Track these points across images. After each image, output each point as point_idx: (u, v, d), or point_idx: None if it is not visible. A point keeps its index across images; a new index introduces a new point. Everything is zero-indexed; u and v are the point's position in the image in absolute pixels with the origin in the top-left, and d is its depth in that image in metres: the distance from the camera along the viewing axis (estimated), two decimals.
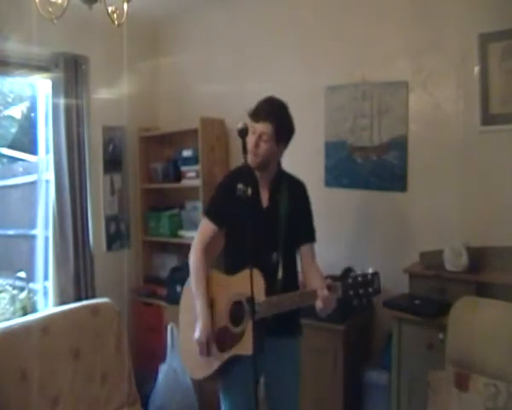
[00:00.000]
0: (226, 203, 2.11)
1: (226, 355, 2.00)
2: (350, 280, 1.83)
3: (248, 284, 1.83)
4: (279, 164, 2.19)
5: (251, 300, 1.74)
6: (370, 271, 1.84)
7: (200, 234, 2.21)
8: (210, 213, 2.21)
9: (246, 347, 1.88)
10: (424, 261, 2.72)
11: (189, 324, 2.12)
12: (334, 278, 2.90)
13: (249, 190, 1.99)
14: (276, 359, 2.05)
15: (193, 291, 2.10)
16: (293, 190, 2.17)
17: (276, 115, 2.04)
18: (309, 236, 2.19)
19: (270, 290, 1.90)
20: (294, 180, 2.23)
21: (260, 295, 1.85)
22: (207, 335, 2.01)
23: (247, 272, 1.89)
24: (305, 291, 2.00)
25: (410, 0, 2.92)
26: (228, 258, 2.22)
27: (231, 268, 2.10)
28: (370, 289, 1.82)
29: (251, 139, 2.00)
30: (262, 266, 1.89)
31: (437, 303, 2.44)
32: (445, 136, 2.82)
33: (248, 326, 1.90)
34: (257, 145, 2.01)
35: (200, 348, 2.03)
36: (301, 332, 2.21)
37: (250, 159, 1.99)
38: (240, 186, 1.99)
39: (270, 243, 2.04)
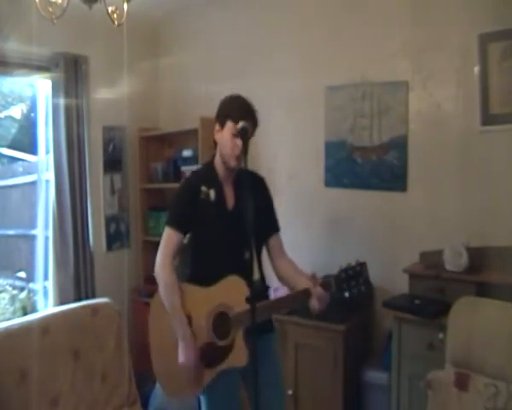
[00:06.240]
0: (190, 208, 2.02)
1: (217, 370, 1.92)
2: (343, 275, 1.85)
3: (230, 293, 1.84)
4: None
5: (251, 311, 1.68)
6: (356, 261, 1.88)
7: (165, 248, 2.02)
8: (175, 222, 2.04)
9: (238, 358, 1.84)
10: (424, 261, 2.72)
11: (167, 344, 2.00)
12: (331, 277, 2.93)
13: (212, 194, 1.99)
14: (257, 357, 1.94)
15: (170, 311, 1.97)
16: (256, 185, 2.10)
17: (255, 114, 2.00)
18: (275, 226, 2.16)
19: (251, 291, 1.79)
20: (254, 175, 2.16)
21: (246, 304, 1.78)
22: (196, 361, 1.92)
23: (227, 280, 1.90)
24: (297, 293, 1.95)
25: (410, 0, 2.92)
26: (196, 266, 2.10)
27: (202, 277, 2.00)
28: (361, 280, 1.86)
29: (233, 143, 1.93)
30: (235, 268, 1.86)
31: (437, 303, 2.44)
32: (445, 136, 2.82)
33: (238, 337, 1.86)
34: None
35: (187, 373, 1.93)
36: (274, 328, 2.14)
37: (234, 162, 1.96)
38: (203, 189, 2.01)
39: (240, 243, 1.92)
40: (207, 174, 2.08)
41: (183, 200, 2.09)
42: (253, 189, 2.02)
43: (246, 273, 1.90)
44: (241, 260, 1.92)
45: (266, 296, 2.14)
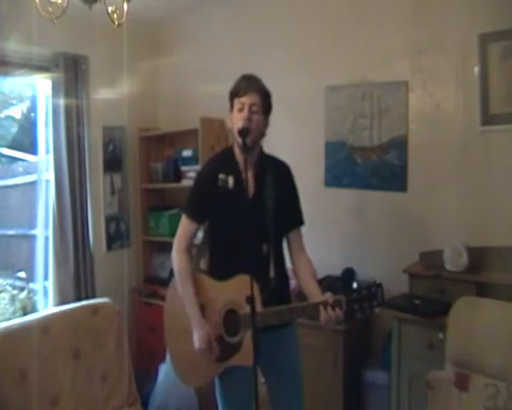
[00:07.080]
0: (207, 197, 1.99)
1: (224, 366, 1.93)
2: (355, 295, 1.78)
3: (242, 291, 1.78)
4: (261, 146, 2.06)
5: (251, 311, 1.67)
6: (372, 281, 1.81)
7: (180, 236, 2.04)
8: (190, 211, 2.05)
9: (246, 358, 1.82)
10: (424, 261, 2.72)
11: (180, 329, 2.01)
12: (333, 278, 2.94)
13: (230, 181, 1.94)
14: (273, 351, 1.96)
15: (182, 298, 1.98)
16: (279, 172, 2.05)
17: (260, 85, 1.99)
18: (298, 219, 2.09)
19: (262, 292, 1.79)
20: (278, 162, 2.10)
21: (257, 305, 1.74)
22: (208, 342, 1.91)
23: (240, 278, 1.87)
24: (306, 305, 1.90)
25: (410, 0, 2.92)
26: (214, 256, 2.08)
27: (218, 268, 1.99)
28: (375, 302, 1.77)
29: (240, 116, 1.92)
30: (252, 262, 1.78)
31: (437, 303, 2.44)
32: (445, 136, 2.82)
33: (247, 337, 1.85)
34: (249, 119, 1.90)
35: (203, 355, 1.93)
36: (290, 322, 2.08)
37: (240, 137, 1.90)
38: (221, 176, 1.96)
39: (258, 235, 1.88)
40: (226, 160, 2.03)
41: (199, 189, 2.06)
42: (276, 177, 2.00)
43: (262, 268, 1.89)
44: (258, 254, 1.88)
45: (285, 296, 2.06)
